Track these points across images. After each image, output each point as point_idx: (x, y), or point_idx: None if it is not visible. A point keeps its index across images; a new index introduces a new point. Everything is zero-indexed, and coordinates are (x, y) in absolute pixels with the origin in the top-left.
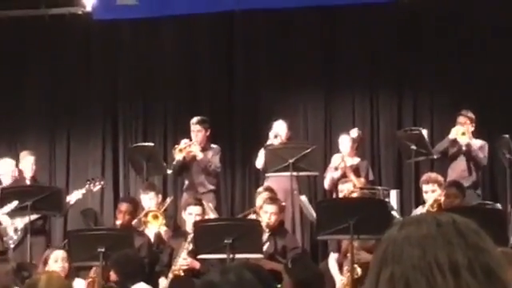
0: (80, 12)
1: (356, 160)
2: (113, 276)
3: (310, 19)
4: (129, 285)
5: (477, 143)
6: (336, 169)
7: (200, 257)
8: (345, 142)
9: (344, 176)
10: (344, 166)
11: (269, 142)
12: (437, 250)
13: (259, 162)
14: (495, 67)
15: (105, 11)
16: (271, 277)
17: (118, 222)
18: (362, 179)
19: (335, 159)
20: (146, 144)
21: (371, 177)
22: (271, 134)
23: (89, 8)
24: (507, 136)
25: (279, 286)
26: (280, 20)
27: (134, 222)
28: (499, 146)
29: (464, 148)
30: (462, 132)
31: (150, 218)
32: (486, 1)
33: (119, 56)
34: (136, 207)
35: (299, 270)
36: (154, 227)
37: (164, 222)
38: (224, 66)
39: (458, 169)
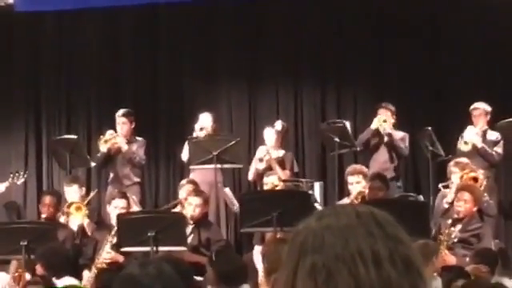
0: (2, 4)
1: (281, 152)
2: (39, 269)
3: (234, 11)
4: (56, 278)
5: (398, 135)
6: (261, 160)
7: (123, 250)
8: (269, 134)
9: (269, 168)
10: (269, 158)
11: (194, 135)
12: (359, 240)
13: (184, 154)
14: (417, 60)
15: (27, 3)
16: (191, 269)
17: (43, 216)
18: (287, 171)
19: (260, 151)
20: (69, 136)
21: (296, 169)
22: (197, 127)
23: (11, 0)
24: (430, 128)
25: (201, 278)
26: (204, 12)
27: (58, 214)
28: (421, 138)
29: (386, 138)
30: (384, 119)
31: (72, 209)
32: None
33: (42, 48)
34: (59, 200)
35: (222, 263)
36: (77, 219)
37: (87, 213)
38: (148, 58)
39: (380, 160)
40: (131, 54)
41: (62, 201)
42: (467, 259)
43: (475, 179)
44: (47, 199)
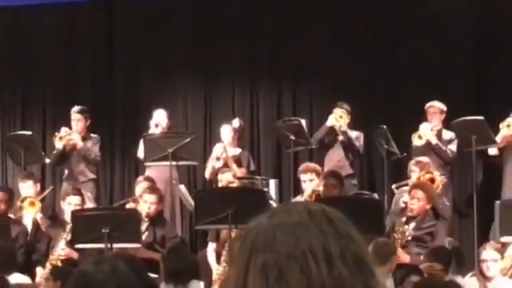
0: None
1: (238, 150)
2: None
3: (190, 7)
4: (4, 275)
5: (352, 134)
6: (218, 158)
7: (77, 246)
8: (226, 131)
9: (225, 166)
10: (226, 155)
11: (150, 132)
12: (311, 238)
13: (140, 151)
14: (373, 59)
15: None
16: (146, 267)
17: None
18: (243, 169)
19: (217, 148)
20: (24, 132)
21: (252, 167)
22: (152, 123)
23: None
24: (384, 127)
25: (156, 276)
26: (161, 10)
27: (11, 209)
28: (377, 136)
29: (341, 137)
30: (340, 115)
31: (26, 204)
32: None
33: None
34: (11, 196)
35: (173, 259)
36: (31, 214)
37: (40, 208)
38: (104, 54)
39: (335, 158)
40: (87, 50)
41: (15, 197)
42: (421, 257)
43: (432, 180)
44: None
